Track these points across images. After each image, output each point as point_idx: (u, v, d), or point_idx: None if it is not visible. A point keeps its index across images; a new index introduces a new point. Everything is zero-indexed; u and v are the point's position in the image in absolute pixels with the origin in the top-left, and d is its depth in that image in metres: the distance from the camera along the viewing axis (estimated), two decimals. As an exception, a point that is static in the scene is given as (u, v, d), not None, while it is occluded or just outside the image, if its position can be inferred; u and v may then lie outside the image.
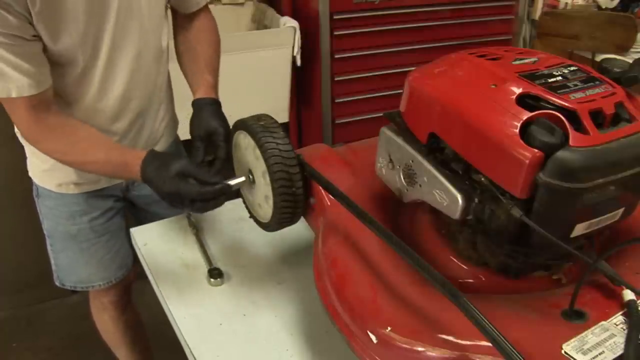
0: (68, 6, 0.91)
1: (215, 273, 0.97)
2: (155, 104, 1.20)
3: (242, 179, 0.88)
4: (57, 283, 1.33)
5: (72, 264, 1.29)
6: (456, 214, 0.67)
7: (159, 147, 1.25)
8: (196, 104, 1.05)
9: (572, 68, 0.67)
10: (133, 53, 1.05)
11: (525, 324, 0.61)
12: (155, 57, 1.12)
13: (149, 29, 1.06)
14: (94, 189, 1.21)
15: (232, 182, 0.88)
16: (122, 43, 1.03)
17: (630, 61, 0.69)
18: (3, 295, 2.10)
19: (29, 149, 1.19)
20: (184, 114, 1.27)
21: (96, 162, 0.97)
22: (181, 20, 1.19)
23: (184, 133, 1.34)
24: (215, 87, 1.10)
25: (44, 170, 1.19)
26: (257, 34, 2.11)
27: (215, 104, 1.05)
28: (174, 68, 1.21)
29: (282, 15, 2.08)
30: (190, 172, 0.87)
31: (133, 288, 1.46)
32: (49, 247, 1.30)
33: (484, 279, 0.73)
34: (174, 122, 1.32)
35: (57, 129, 0.98)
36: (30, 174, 1.23)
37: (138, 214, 1.35)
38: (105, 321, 1.46)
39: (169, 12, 1.18)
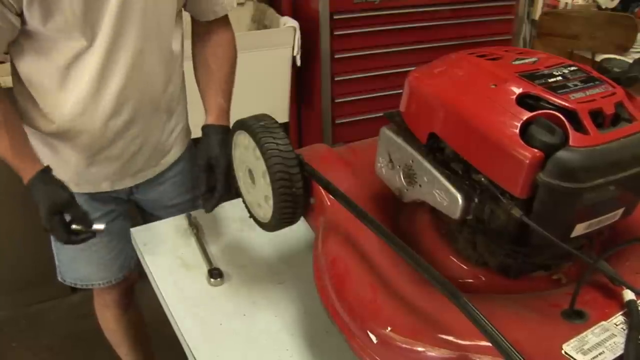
0: None
1: (215, 273, 0.97)
2: (162, 112, 1.16)
3: (102, 226, 0.99)
4: (59, 278, 1.33)
5: (72, 261, 1.30)
6: (456, 214, 0.67)
7: (170, 159, 1.25)
8: (205, 130, 1.05)
9: (572, 68, 0.67)
10: (134, 48, 1.02)
11: (525, 324, 0.61)
12: (162, 59, 1.10)
13: (152, 26, 1.04)
14: (93, 191, 1.20)
15: (96, 227, 0.99)
16: (122, 32, 1.00)
17: (630, 61, 0.69)
18: (3, 294, 2.10)
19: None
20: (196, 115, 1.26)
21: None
22: (198, 29, 1.17)
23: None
24: (227, 111, 1.10)
25: None
26: (257, 34, 2.11)
27: (223, 132, 1.04)
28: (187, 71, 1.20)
29: (282, 15, 2.08)
30: (72, 212, 0.97)
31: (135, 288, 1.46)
32: (52, 243, 1.30)
33: (484, 279, 0.73)
34: (186, 132, 1.29)
35: None
36: None
37: (146, 217, 1.34)
38: (108, 319, 1.46)
39: (189, 18, 1.16)
